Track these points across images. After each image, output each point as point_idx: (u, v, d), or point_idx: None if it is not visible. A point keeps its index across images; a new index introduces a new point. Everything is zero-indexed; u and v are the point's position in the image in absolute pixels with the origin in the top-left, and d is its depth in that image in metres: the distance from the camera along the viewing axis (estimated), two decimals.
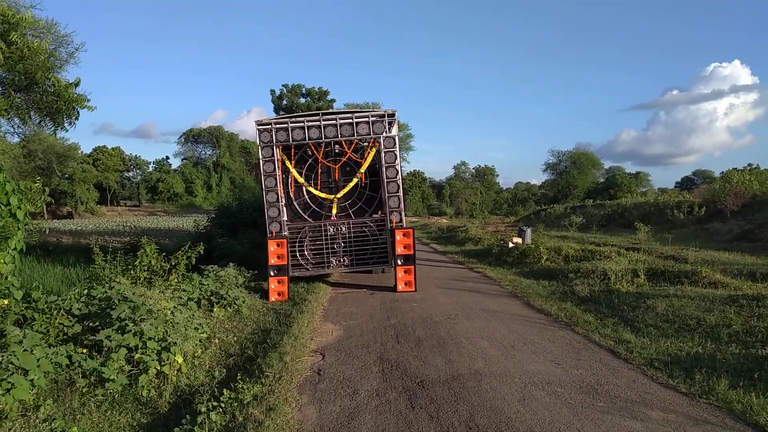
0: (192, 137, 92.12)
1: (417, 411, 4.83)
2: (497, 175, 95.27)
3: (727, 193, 23.19)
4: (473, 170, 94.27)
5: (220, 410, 4.75)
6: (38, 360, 4.81)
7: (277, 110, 62.38)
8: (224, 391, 5.10)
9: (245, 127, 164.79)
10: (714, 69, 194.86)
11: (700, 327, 7.40)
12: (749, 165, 61.83)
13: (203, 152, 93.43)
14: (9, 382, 4.50)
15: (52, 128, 7.17)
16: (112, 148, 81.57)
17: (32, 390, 4.75)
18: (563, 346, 6.93)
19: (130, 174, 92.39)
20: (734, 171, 27.26)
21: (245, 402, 4.94)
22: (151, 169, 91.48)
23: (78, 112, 7.26)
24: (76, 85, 6.94)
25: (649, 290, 9.81)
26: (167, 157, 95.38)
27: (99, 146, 79.92)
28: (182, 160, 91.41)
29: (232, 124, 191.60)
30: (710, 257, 14.12)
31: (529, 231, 18.74)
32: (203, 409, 4.63)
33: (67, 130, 7.21)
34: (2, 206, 6.47)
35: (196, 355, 6.50)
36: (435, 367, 6.05)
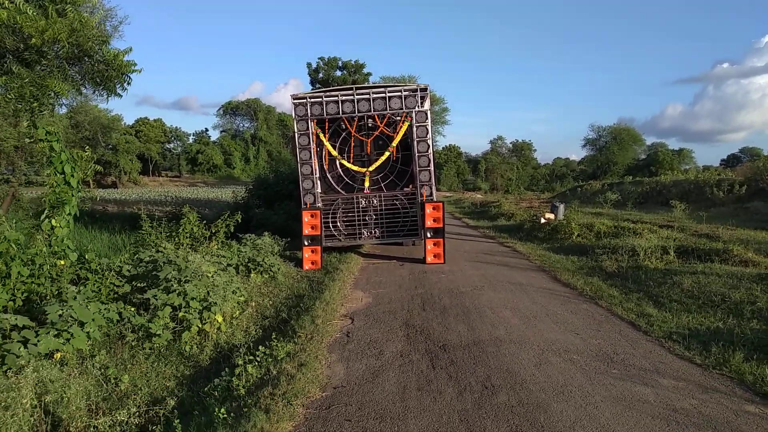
0: (230, 110, 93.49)
1: (437, 371, 5.16)
2: (535, 150, 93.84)
3: None
4: (510, 145, 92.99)
5: (256, 364, 5.18)
6: (93, 314, 5.32)
7: (313, 83, 62.50)
8: (260, 347, 5.52)
9: (282, 99, 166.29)
10: None
11: (724, 303, 7.47)
12: None
13: (241, 125, 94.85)
14: (69, 333, 5.02)
15: (106, 96, 7.65)
16: (154, 120, 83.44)
17: (88, 341, 5.26)
18: (585, 318, 7.13)
19: (171, 145, 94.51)
20: None
21: (279, 358, 5.35)
22: (191, 140, 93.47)
23: (129, 78, 7.70)
24: (127, 53, 7.38)
25: (678, 267, 9.82)
26: (206, 129, 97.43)
27: (141, 118, 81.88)
28: (221, 132, 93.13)
29: (269, 96, 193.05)
30: (745, 236, 13.89)
31: (561, 207, 18.67)
32: (240, 362, 5.06)
33: (121, 96, 7.68)
34: (57, 174, 6.98)
35: (234, 316, 6.97)
36: (457, 333, 6.36)
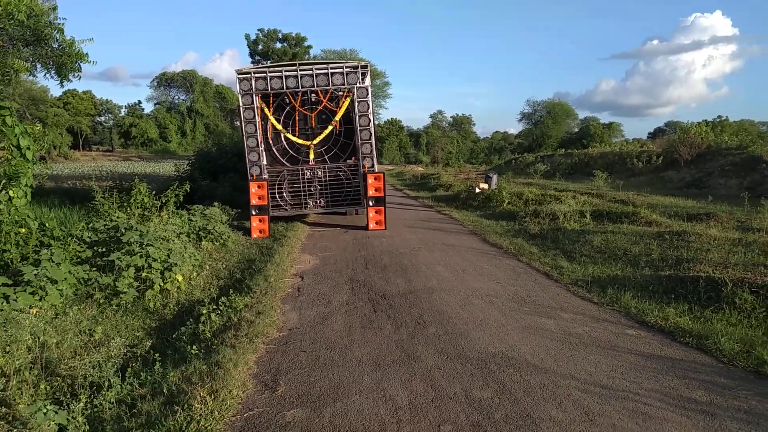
0: (165, 81, 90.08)
1: (378, 314, 6.02)
2: (474, 125, 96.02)
3: (683, 143, 24.62)
4: (450, 119, 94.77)
5: (219, 313, 5.85)
6: (65, 274, 5.81)
7: (252, 55, 61.39)
8: (221, 299, 6.18)
9: (218, 70, 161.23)
10: (695, 19, 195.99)
11: (625, 256, 8.68)
12: (719, 117, 63.77)
13: (177, 97, 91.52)
14: (44, 290, 5.51)
15: (58, 81, 7.86)
16: (83, 92, 79.41)
17: (60, 298, 5.76)
18: (506, 271, 8.18)
19: (102, 119, 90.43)
20: (692, 123, 28.65)
21: (238, 309, 6.04)
22: (123, 113, 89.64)
23: (80, 67, 7.94)
24: (83, 42, 7.62)
25: (592, 228, 11.07)
26: (139, 102, 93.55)
27: (69, 90, 77.72)
28: (155, 105, 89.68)
29: (204, 67, 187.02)
30: (656, 201, 15.52)
31: (495, 177, 19.88)
32: (204, 311, 5.71)
33: (71, 82, 7.92)
34: (13, 147, 7.26)
35: (191, 277, 7.55)
36: (396, 285, 7.24)
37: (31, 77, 7.76)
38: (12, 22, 6.58)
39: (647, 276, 7.41)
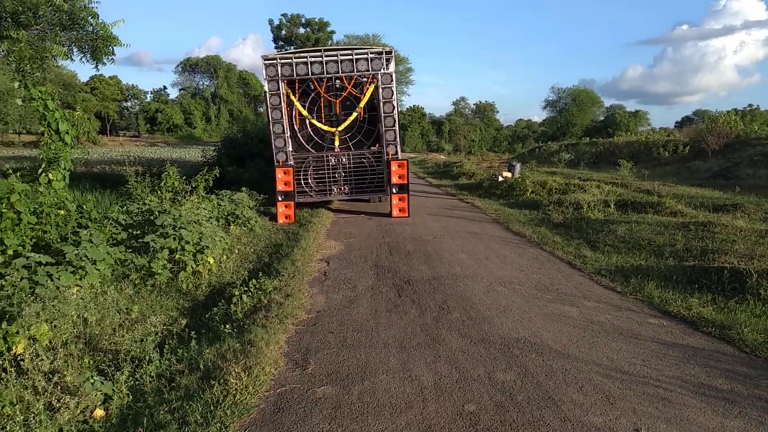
0: (189, 67, 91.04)
1: (403, 298, 6.17)
2: (497, 112, 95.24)
3: (710, 133, 24.17)
4: (473, 106, 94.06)
5: (250, 294, 6.06)
6: (104, 254, 6.07)
7: (276, 40, 61.71)
8: (251, 281, 6.39)
9: (240, 55, 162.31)
10: (727, 3, 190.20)
11: (649, 246, 8.67)
12: (749, 105, 62.23)
13: (201, 82, 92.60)
14: (84, 270, 5.77)
15: (94, 64, 8.14)
16: (110, 77, 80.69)
17: (99, 278, 6.02)
18: (529, 259, 8.25)
19: (128, 104, 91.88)
20: (721, 113, 28.06)
21: (267, 291, 6.24)
22: (148, 99, 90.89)
23: (113, 50, 8.20)
24: (116, 25, 7.86)
25: (616, 218, 11.04)
26: (165, 87, 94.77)
27: (96, 75, 79.12)
28: (180, 90, 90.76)
29: (227, 52, 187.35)
30: (682, 192, 15.33)
31: (518, 166, 19.83)
32: (236, 293, 5.93)
33: (105, 65, 8.20)
34: (52, 131, 7.54)
35: (221, 260, 7.78)
36: (420, 271, 7.37)
37: (68, 61, 8.09)
38: (51, 8, 6.83)
39: (671, 266, 7.41)
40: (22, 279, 5.13)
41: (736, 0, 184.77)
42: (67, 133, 7.53)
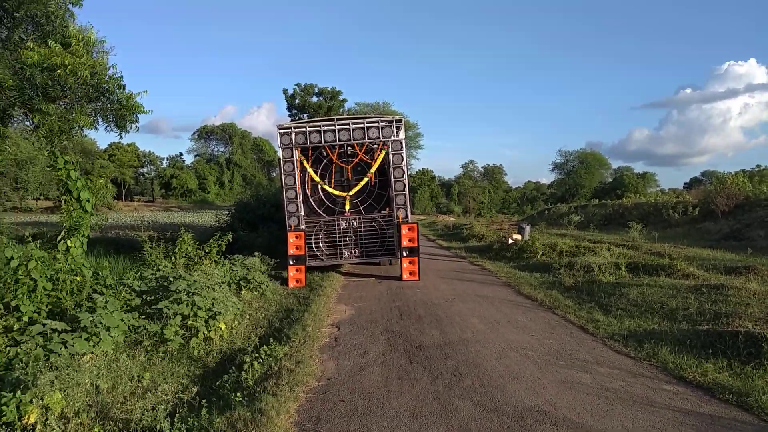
0: (205, 134, 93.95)
1: (414, 365, 6.13)
2: (506, 174, 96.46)
3: (719, 194, 24.28)
4: (482, 169, 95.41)
5: (261, 361, 6.05)
6: (118, 321, 6.14)
7: (290, 108, 63.83)
8: (262, 348, 6.40)
9: (255, 122, 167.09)
10: (729, 67, 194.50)
11: (662, 310, 8.60)
12: (757, 166, 62.58)
13: (216, 149, 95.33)
14: (98, 337, 5.84)
15: (118, 132, 8.54)
16: (128, 144, 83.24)
17: (112, 345, 6.07)
18: (541, 323, 8.19)
19: (144, 170, 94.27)
20: (729, 174, 28.26)
21: (278, 357, 6.24)
22: (164, 165, 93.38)
23: (138, 118, 8.61)
24: (140, 95, 8.33)
25: (627, 281, 10.99)
26: (181, 154, 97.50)
27: (114, 142, 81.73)
28: (195, 156, 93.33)
29: (242, 120, 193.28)
30: (693, 254, 15.25)
31: (528, 228, 19.91)
32: (248, 360, 5.93)
33: (129, 132, 8.60)
34: (73, 200, 7.80)
35: (233, 326, 7.81)
36: (431, 336, 7.34)
37: (92, 130, 8.48)
38: (78, 80, 7.25)
39: (685, 330, 7.33)
40: (37, 347, 5.20)
41: (738, 65, 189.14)
42: (88, 201, 7.78)
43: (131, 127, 8.63)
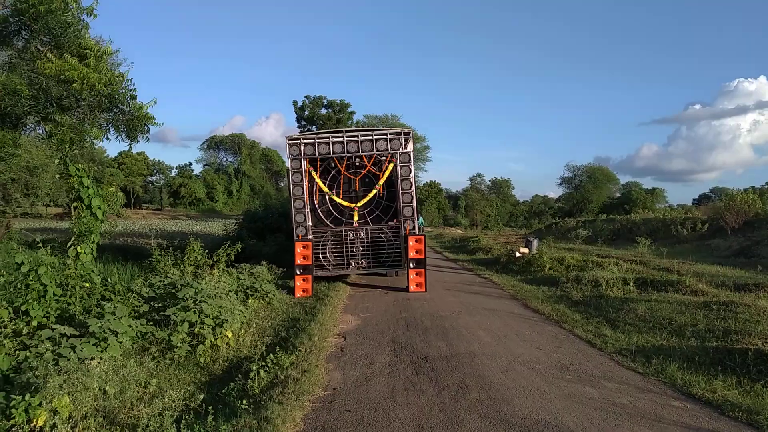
0: (214, 144, 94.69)
1: (420, 376, 6.11)
2: (513, 188, 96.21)
3: (729, 210, 24.15)
4: (489, 182, 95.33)
5: (267, 370, 6.06)
6: (126, 327, 6.18)
7: (299, 120, 64.21)
8: (269, 356, 6.41)
9: (263, 133, 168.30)
10: (739, 84, 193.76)
11: (671, 326, 8.54)
12: (767, 183, 62.18)
13: (224, 159, 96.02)
14: (106, 342, 5.87)
15: (128, 143, 8.66)
16: (137, 153, 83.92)
17: (120, 351, 6.10)
18: (548, 337, 8.15)
19: (153, 178, 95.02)
20: (738, 190, 28.14)
21: (284, 366, 6.24)
22: (173, 174, 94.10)
23: (149, 128, 8.73)
24: (150, 105, 8.45)
25: (635, 296, 10.92)
26: (190, 163, 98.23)
27: (124, 151, 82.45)
28: (204, 165, 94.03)
29: (250, 130, 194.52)
30: (702, 270, 15.14)
31: (535, 242, 19.85)
32: (254, 368, 5.94)
33: (139, 142, 8.73)
34: (84, 207, 7.89)
35: (239, 334, 7.83)
36: (437, 348, 7.32)
37: (104, 140, 8.57)
38: (93, 93, 7.37)
39: (693, 347, 7.27)
40: (46, 351, 5.24)
41: (748, 81, 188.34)
42: (99, 208, 7.87)
43: (142, 137, 8.75)
